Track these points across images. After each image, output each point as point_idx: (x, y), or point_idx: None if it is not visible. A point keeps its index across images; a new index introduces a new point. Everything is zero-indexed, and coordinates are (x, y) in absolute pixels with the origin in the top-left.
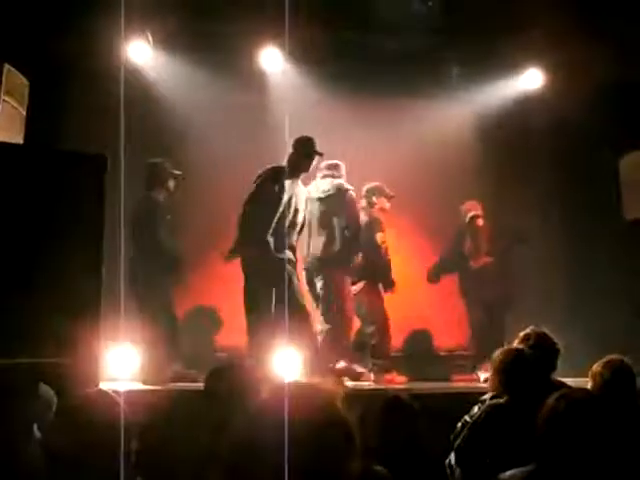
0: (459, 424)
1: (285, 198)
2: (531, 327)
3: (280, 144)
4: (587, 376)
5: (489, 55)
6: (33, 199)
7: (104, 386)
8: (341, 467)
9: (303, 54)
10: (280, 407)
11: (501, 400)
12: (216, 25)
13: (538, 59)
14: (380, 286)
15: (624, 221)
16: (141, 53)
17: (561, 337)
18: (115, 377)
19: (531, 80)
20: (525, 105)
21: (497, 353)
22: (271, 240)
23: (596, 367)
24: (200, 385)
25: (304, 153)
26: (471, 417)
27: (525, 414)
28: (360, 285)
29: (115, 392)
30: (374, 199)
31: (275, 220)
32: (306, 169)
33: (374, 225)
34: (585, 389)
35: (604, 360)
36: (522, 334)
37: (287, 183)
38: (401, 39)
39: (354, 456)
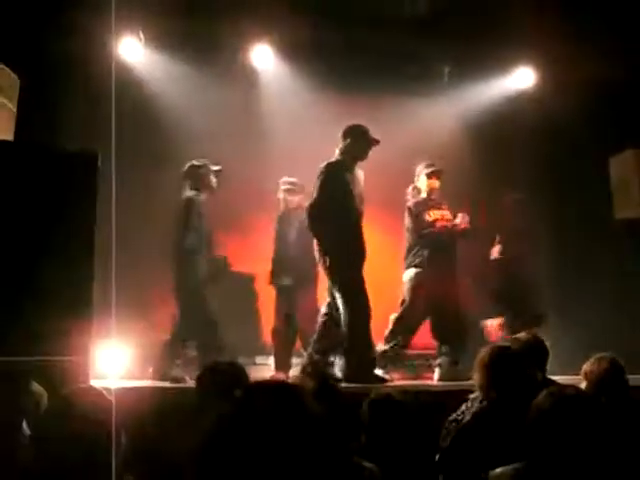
0: (446, 423)
1: (348, 189)
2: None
3: (270, 140)
4: (576, 374)
5: (480, 54)
6: (23, 197)
7: (95, 383)
8: (308, 459)
9: (294, 52)
10: (250, 405)
11: (485, 402)
12: (207, 23)
13: (529, 58)
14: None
15: (615, 220)
16: (133, 51)
17: (551, 335)
18: (107, 375)
19: (522, 79)
20: (515, 104)
21: (483, 351)
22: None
23: (587, 366)
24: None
25: (363, 141)
26: (458, 416)
27: (512, 413)
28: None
29: (106, 389)
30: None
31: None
32: (364, 157)
33: (418, 206)
34: (574, 386)
35: (594, 358)
36: (511, 338)
37: (348, 174)
38: (392, 37)
39: (323, 448)
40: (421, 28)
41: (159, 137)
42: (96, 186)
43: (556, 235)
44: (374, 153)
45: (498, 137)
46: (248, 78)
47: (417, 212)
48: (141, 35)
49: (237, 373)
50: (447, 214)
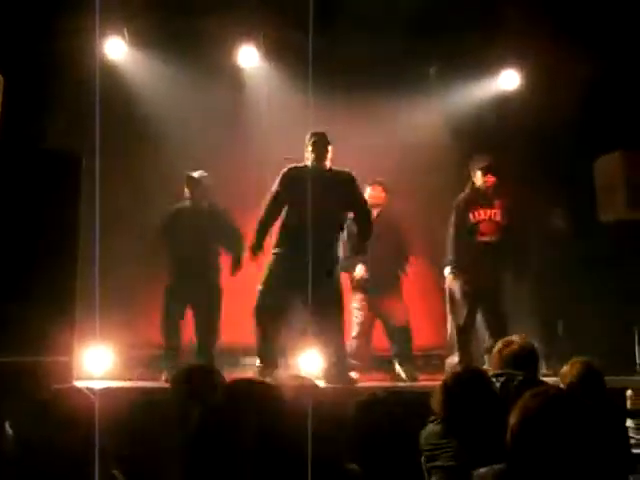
0: None
1: None
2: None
3: (256, 141)
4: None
5: (466, 56)
6: (6, 198)
7: (79, 384)
8: (283, 455)
9: (280, 52)
10: (231, 405)
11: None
12: (193, 22)
13: (515, 60)
14: None
15: (599, 222)
16: (117, 50)
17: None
18: (92, 375)
19: (508, 81)
20: (501, 106)
21: (447, 372)
22: None
23: (564, 369)
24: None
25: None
26: None
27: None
28: None
29: (89, 389)
30: None
31: None
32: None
33: (463, 203)
34: (559, 387)
35: (570, 361)
36: (503, 340)
37: None
38: (377, 37)
39: (297, 446)
40: (407, 28)
41: (144, 136)
42: (79, 187)
43: (541, 237)
44: (361, 153)
45: (485, 139)
46: (234, 78)
47: (461, 210)
48: (126, 34)
49: (211, 374)
50: (497, 213)
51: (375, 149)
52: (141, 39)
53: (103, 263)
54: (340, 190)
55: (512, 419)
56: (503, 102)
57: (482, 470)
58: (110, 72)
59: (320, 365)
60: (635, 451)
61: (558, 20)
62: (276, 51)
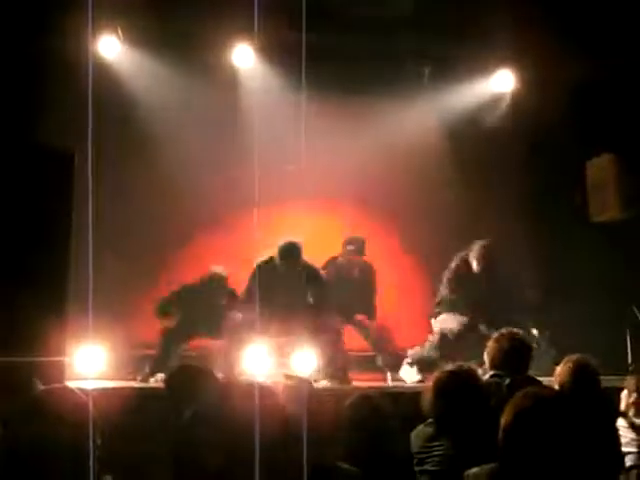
0: None
1: None
2: (505, 328)
3: (250, 142)
4: (551, 376)
5: (460, 56)
6: None
7: (72, 383)
8: (277, 456)
9: (274, 52)
10: (220, 404)
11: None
12: (188, 22)
13: (509, 61)
14: None
15: (591, 224)
16: (112, 49)
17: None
18: (85, 375)
19: (501, 82)
20: (495, 107)
21: (438, 371)
22: None
23: (560, 368)
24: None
25: None
26: None
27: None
28: None
29: (81, 389)
30: None
31: None
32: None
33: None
34: (551, 387)
35: (566, 360)
36: (496, 335)
37: None
38: (371, 37)
39: (292, 446)
40: (401, 28)
41: (138, 136)
42: (72, 184)
43: (534, 238)
44: (352, 153)
45: (478, 140)
46: (228, 77)
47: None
48: (120, 33)
49: (205, 374)
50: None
51: (368, 148)
52: (135, 37)
53: (96, 262)
54: (307, 284)
55: (504, 418)
56: (497, 103)
57: (474, 470)
58: (103, 70)
59: (315, 365)
60: (626, 449)
61: (551, 21)
62: (270, 50)
